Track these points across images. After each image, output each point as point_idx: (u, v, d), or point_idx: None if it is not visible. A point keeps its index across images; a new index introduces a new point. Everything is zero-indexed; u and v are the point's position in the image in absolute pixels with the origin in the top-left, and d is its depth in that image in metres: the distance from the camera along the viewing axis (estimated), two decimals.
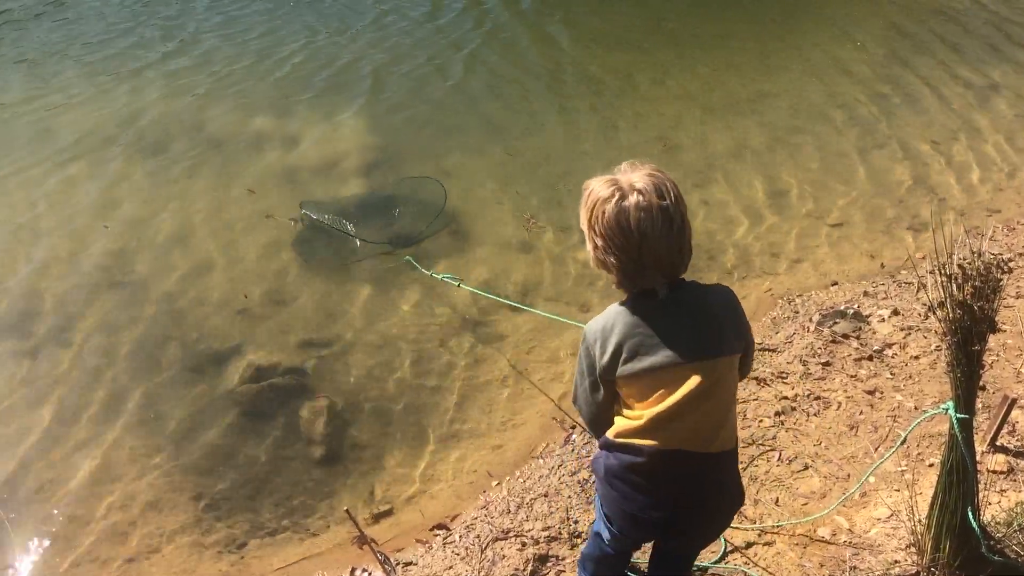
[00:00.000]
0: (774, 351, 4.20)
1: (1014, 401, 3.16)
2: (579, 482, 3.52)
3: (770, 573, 2.92)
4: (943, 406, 2.46)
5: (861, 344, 4.17)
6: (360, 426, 4.05)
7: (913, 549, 2.73)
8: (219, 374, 4.27)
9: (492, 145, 6.22)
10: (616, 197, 1.93)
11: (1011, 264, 4.75)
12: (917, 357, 4.04)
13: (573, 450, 3.73)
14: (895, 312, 4.44)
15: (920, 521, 2.66)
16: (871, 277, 4.95)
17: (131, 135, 6.19)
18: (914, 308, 4.47)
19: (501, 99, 6.86)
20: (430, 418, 4.10)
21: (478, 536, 3.33)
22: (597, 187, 2.00)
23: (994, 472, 3.16)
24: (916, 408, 3.67)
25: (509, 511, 3.45)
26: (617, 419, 2.14)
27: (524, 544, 3.25)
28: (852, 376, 3.94)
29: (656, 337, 2.00)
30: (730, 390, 2.08)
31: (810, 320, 4.43)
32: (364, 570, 3.25)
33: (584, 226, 2.04)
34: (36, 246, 5.08)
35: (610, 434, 2.13)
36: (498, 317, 4.69)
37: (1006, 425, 3.28)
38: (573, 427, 3.92)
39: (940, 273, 2.28)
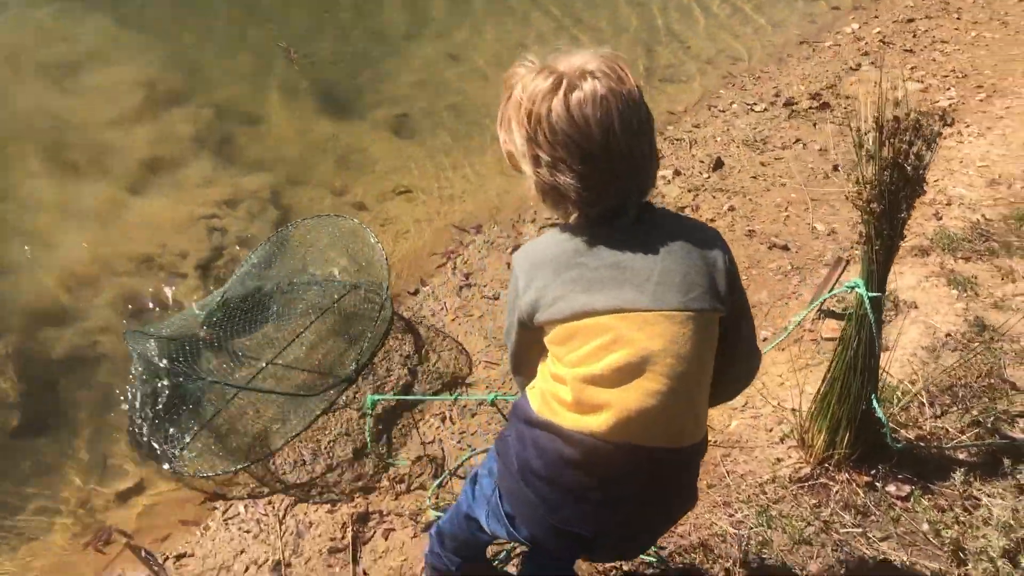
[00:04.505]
0: None
1: (848, 263, 2.97)
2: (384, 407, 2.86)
3: None
4: (851, 283, 2.09)
5: None
6: (69, 377, 3.01)
7: (798, 446, 2.44)
8: None
9: None
10: (564, 87, 1.33)
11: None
12: (713, 220, 3.79)
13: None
14: (677, 173, 4.16)
15: (811, 415, 2.35)
16: None
17: None
18: (693, 166, 4.22)
19: None
20: None
21: (269, 502, 2.59)
22: (529, 80, 1.37)
23: (827, 340, 2.97)
24: None
25: (303, 462, 2.72)
26: (540, 383, 1.51)
27: (334, 503, 2.57)
28: None
29: (606, 271, 1.39)
30: (704, 358, 1.43)
31: None
32: None
33: (516, 141, 1.40)
34: None
35: (533, 405, 1.49)
36: None
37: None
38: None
39: (876, 128, 1.85)
